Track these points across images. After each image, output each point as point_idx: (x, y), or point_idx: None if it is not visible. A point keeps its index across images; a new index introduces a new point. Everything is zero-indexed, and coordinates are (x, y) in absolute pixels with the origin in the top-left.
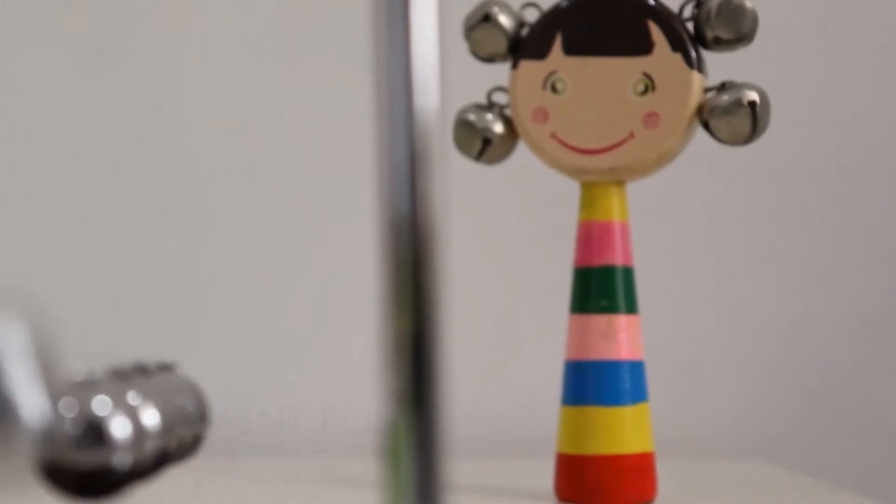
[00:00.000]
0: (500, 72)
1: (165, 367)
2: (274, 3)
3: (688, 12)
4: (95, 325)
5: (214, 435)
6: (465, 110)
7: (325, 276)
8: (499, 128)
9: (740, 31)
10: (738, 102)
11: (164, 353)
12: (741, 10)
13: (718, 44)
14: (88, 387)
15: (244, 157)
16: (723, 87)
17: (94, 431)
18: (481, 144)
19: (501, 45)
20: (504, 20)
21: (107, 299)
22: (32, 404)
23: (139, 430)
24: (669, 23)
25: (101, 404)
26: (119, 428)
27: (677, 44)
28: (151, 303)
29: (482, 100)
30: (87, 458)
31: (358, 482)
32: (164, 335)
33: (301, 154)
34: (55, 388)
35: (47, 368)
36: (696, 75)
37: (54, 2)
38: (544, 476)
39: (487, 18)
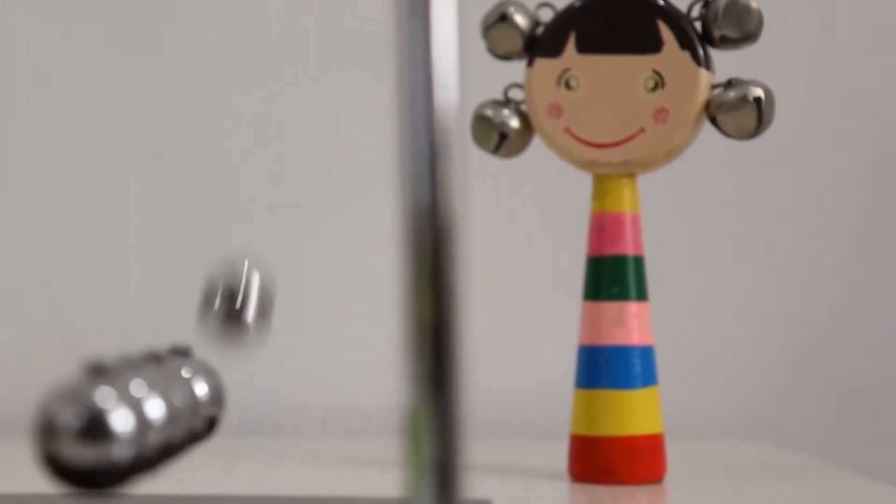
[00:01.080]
0: (517, 69)
1: (179, 352)
2: (303, 5)
3: (696, 12)
4: (122, 313)
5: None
6: (482, 106)
7: (345, 273)
8: (515, 123)
9: (746, 31)
10: (743, 99)
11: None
12: (747, 11)
13: (725, 42)
14: (94, 377)
15: (269, 151)
16: (729, 84)
17: (96, 424)
18: (498, 139)
19: (517, 43)
20: (520, 20)
21: (132, 288)
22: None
23: (143, 421)
24: (678, 22)
25: (104, 396)
26: (121, 421)
27: (686, 42)
28: (171, 293)
29: (499, 96)
30: (87, 452)
31: (380, 461)
32: (181, 325)
33: (324, 148)
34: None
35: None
36: (703, 72)
37: (95, 4)
38: (558, 456)
39: (504, 18)
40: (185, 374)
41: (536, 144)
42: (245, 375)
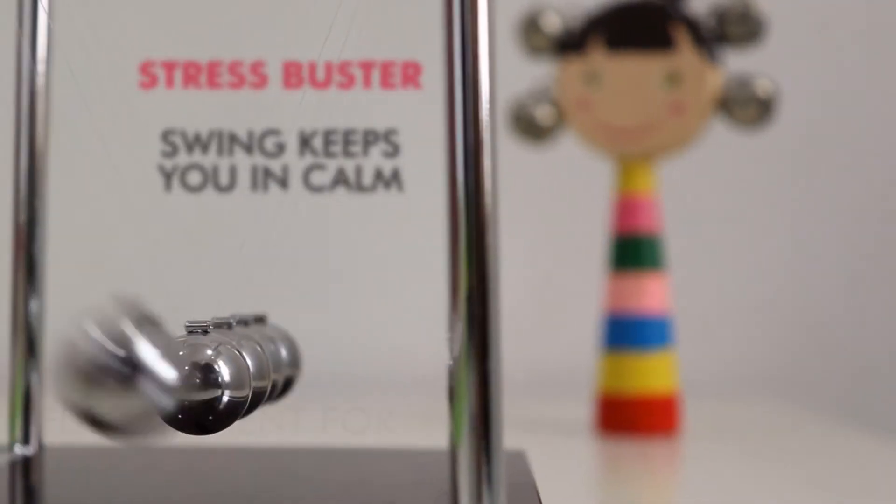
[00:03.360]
0: (548, 66)
1: (260, 319)
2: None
3: (709, 16)
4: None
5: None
6: (518, 100)
7: (400, 248)
8: (547, 114)
9: (753, 32)
10: (751, 93)
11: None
12: (754, 14)
13: (735, 43)
14: (195, 336)
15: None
16: (738, 80)
17: (203, 375)
18: (532, 129)
19: (549, 43)
20: (551, 22)
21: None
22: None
23: (239, 374)
24: (693, 25)
25: (207, 350)
26: (224, 372)
27: (700, 43)
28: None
29: (532, 91)
30: (196, 399)
31: (427, 416)
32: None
33: (380, 137)
34: (170, 342)
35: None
36: (715, 69)
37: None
38: (584, 411)
39: (537, 20)
40: (269, 336)
41: (565, 133)
42: (312, 338)
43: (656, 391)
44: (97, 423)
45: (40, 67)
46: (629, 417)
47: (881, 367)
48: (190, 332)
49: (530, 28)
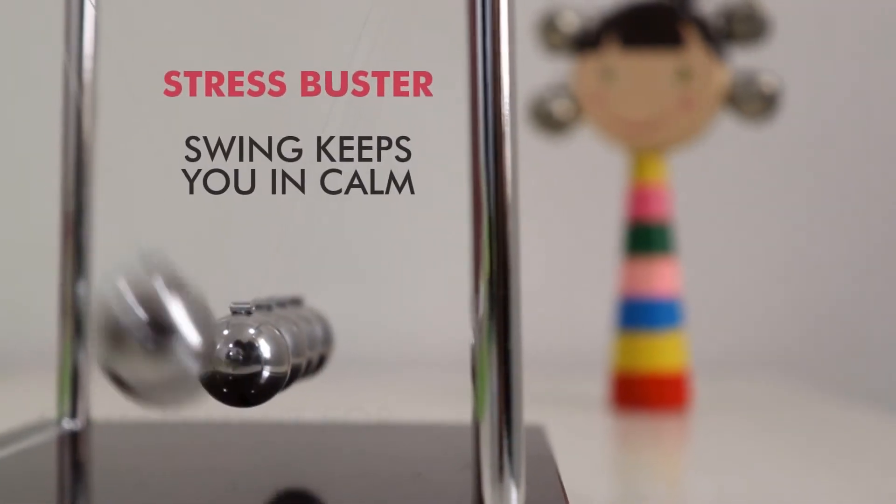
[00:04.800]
0: (566, 62)
1: (296, 301)
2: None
3: (717, 15)
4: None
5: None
6: (537, 95)
7: (427, 235)
8: (564, 108)
9: (759, 31)
10: (757, 88)
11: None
12: (760, 14)
13: (741, 41)
14: (239, 316)
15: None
16: (744, 76)
17: (246, 352)
18: (550, 122)
19: (566, 41)
20: (568, 20)
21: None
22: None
23: (279, 351)
24: (702, 24)
25: (250, 329)
26: (264, 349)
27: (708, 41)
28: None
29: (550, 85)
30: (238, 373)
31: (452, 392)
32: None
33: (407, 131)
34: (212, 321)
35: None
36: (723, 66)
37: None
38: (600, 388)
39: (555, 20)
40: (304, 316)
41: (582, 127)
42: (344, 321)
43: (667, 369)
44: (122, 384)
45: (87, 63)
46: (642, 394)
47: (881, 346)
48: (234, 313)
49: (549, 27)
